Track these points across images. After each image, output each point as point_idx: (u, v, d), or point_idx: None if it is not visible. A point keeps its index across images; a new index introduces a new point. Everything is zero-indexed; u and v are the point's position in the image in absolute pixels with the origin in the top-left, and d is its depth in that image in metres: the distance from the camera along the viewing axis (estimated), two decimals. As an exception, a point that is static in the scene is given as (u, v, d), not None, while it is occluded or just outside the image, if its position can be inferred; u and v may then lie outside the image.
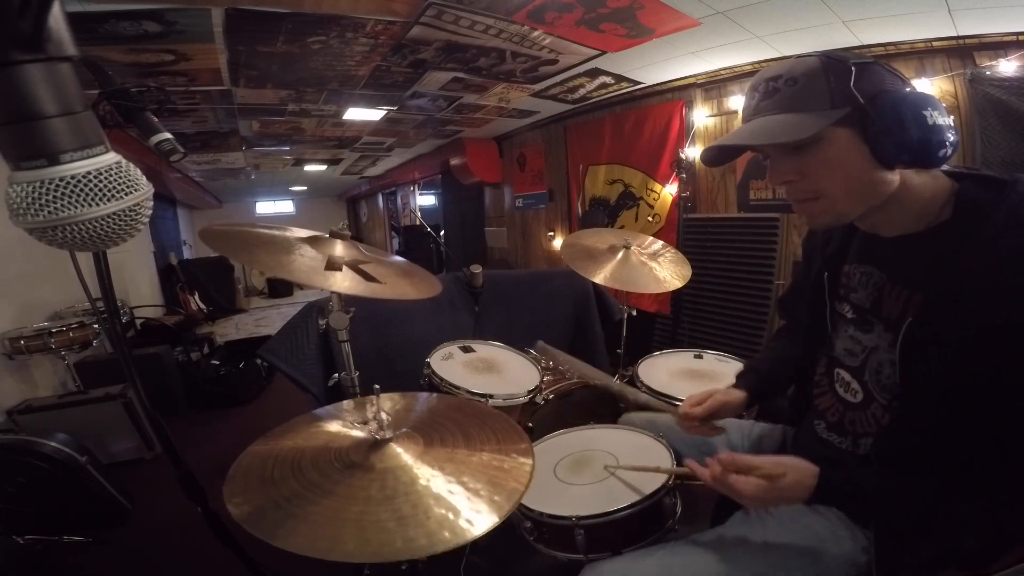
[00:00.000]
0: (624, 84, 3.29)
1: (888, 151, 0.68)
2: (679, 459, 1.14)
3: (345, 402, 1.07)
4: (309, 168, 6.81)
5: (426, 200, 9.58)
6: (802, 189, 0.76)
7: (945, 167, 0.75)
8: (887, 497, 0.76)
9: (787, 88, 0.72)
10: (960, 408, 0.71)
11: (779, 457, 0.81)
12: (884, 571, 0.79)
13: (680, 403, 1.40)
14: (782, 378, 1.09)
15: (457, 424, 0.94)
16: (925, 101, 0.68)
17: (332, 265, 1.13)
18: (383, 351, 2.10)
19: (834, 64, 0.70)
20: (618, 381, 1.53)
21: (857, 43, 2.25)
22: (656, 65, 2.90)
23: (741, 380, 1.11)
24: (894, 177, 0.71)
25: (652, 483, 1.05)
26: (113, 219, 0.55)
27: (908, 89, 0.70)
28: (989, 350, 0.67)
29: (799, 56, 0.73)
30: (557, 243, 4.55)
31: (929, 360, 0.72)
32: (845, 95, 0.68)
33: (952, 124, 0.69)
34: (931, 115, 0.67)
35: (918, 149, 0.67)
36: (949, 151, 0.68)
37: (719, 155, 0.83)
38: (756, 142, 0.75)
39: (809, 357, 1.00)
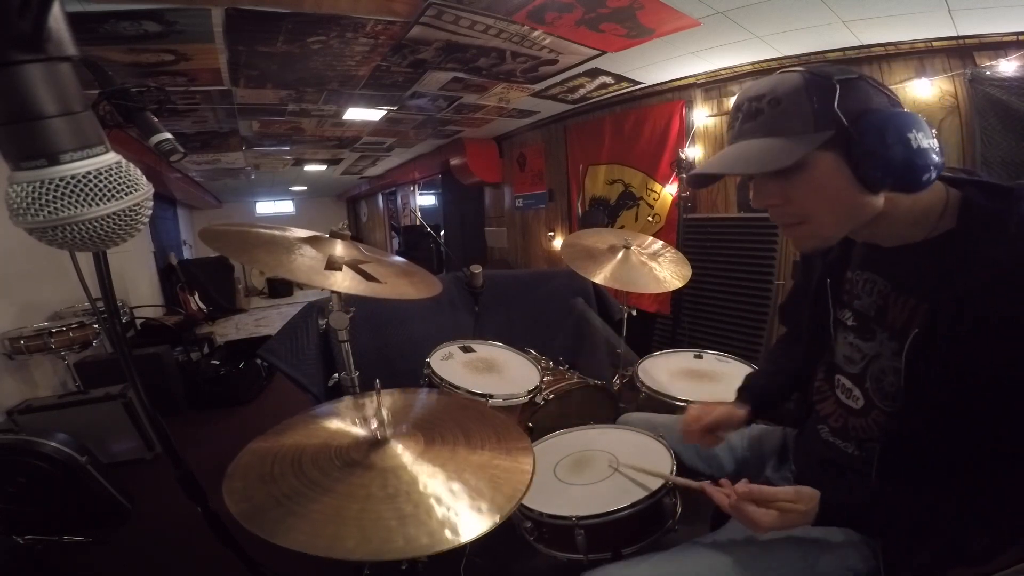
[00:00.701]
0: (624, 84, 3.29)
1: (872, 175, 0.67)
2: (679, 460, 1.14)
3: (345, 400, 1.07)
4: (309, 168, 6.81)
5: (426, 200, 9.57)
6: (787, 213, 0.75)
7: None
8: (886, 513, 0.76)
9: (770, 109, 0.70)
10: (966, 412, 0.70)
11: (796, 488, 0.80)
12: (891, 573, 0.79)
13: (682, 403, 1.40)
14: (781, 392, 1.10)
15: (457, 423, 0.94)
16: (910, 122, 0.66)
17: (332, 265, 1.13)
18: (383, 351, 2.10)
19: (817, 82, 0.68)
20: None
21: (857, 43, 2.26)
22: (656, 65, 2.90)
23: (742, 397, 1.10)
24: (878, 199, 0.70)
25: (652, 483, 1.05)
26: (113, 219, 0.54)
27: (893, 109, 0.68)
28: (995, 353, 0.66)
29: (782, 72, 0.72)
30: (557, 243, 4.55)
31: (936, 367, 0.72)
32: (828, 116, 0.66)
33: (937, 146, 0.67)
34: (916, 137, 0.65)
35: (902, 173, 0.66)
36: (933, 175, 0.67)
37: (704, 180, 0.83)
38: (739, 171, 0.74)
39: (811, 363, 1.00)
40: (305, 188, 10.01)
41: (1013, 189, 0.70)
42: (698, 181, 0.83)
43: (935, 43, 2.11)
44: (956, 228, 0.72)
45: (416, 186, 8.35)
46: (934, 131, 0.68)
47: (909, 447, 0.77)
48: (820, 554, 0.82)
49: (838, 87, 0.67)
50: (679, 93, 3.25)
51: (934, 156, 0.66)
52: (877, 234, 0.78)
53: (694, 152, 3.20)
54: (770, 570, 0.82)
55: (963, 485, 0.73)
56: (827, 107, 0.67)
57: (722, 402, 1.08)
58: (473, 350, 1.83)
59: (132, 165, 0.57)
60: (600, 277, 1.88)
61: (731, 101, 2.97)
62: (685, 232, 3.29)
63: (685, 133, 3.22)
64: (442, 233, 6.87)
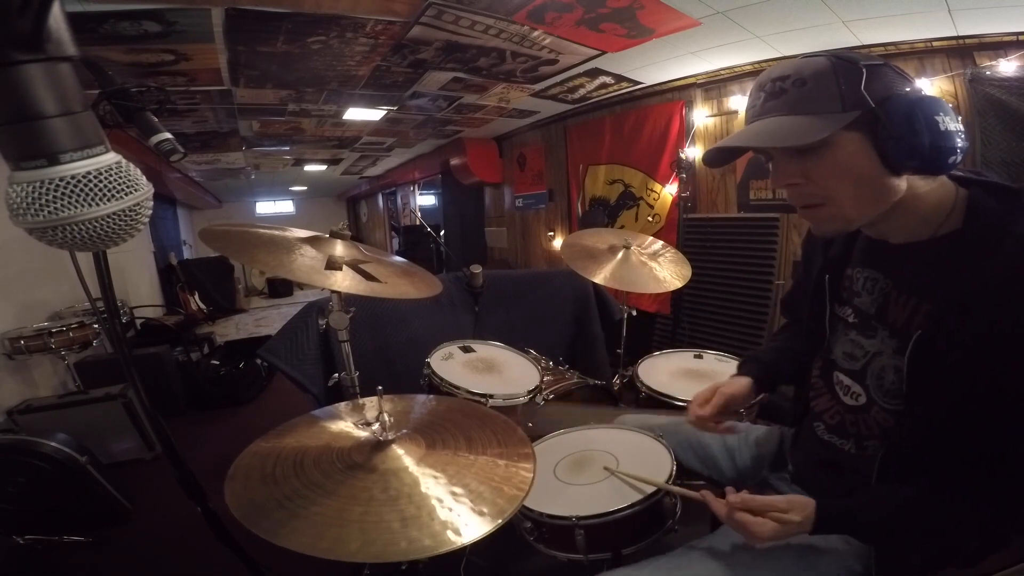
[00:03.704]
0: (624, 84, 3.29)
1: (898, 157, 0.67)
2: (677, 461, 1.13)
3: (345, 403, 1.07)
4: (309, 168, 6.81)
5: (426, 200, 9.57)
6: (808, 194, 0.74)
7: None
8: (885, 519, 0.76)
9: (795, 89, 0.70)
10: (968, 413, 0.70)
11: (788, 496, 0.81)
12: (883, 574, 0.79)
13: (682, 403, 1.39)
14: (786, 369, 1.07)
15: (458, 426, 0.94)
16: (937, 106, 0.66)
17: (332, 265, 1.13)
18: (383, 351, 2.10)
19: (844, 65, 0.68)
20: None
21: (857, 43, 2.25)
22: (656, 65, 2.90)
23: (744, 368, 1.08)
24: (901, 183, 0.70)
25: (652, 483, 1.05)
26: (113, 219, 0.54)
27: (919, 93, 0.68)
28: (999, 358, 0.66)
29: (806, 56, 0.72)
30: (557, 243, 4.55)
31: (938, 369, 0.72)
32: (856, 98, 0.66)
33: (962, 129, 0.67)
34: (943, 121, 0.65)
35: (929, 156, 0.65)
36: (959, 158, 0.67)
37: (721, 156, 0.81)
38: (764, 144, 0.73)
39: (810, 357, 1.00)
40: (305, 188, 10.01)
41: (1021, 191, 0.69)
42: (716, 158, 0.81)
43: (935, 43, 2.11)
44: (962, 229, 0.72)
45: (416, 186, 8.35)
46: (959, 117, 0.68)
47: (911, 448, 0.77)
48: (818, 556, 0.82)
49: (864, 71, 0.67)
50: (679, 93, 3.25)
51: (959, 140, 0.66)
52: (890, 227, 0.77)
53: (694, 152, 3.20)
54: (769, 572, 0.82)
55: (962, 487, 0.72)
56: (854, 89, 0.67)
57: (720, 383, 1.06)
58: (473, 350, 1.83)
59: (132, 165, 0.57)
60: (600, 277, 1.88)
61: (731, 101, 2.95)
62: (685, 232, 3.29)
63: (685, 133, 3.22)
64: (442, 233, 6.87)
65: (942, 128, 0.65)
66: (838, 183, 0.71)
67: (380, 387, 0.93)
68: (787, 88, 0.71)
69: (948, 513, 0.73)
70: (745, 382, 1.03)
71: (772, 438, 1.14)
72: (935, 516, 0.74)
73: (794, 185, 0.75)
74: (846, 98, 0.67)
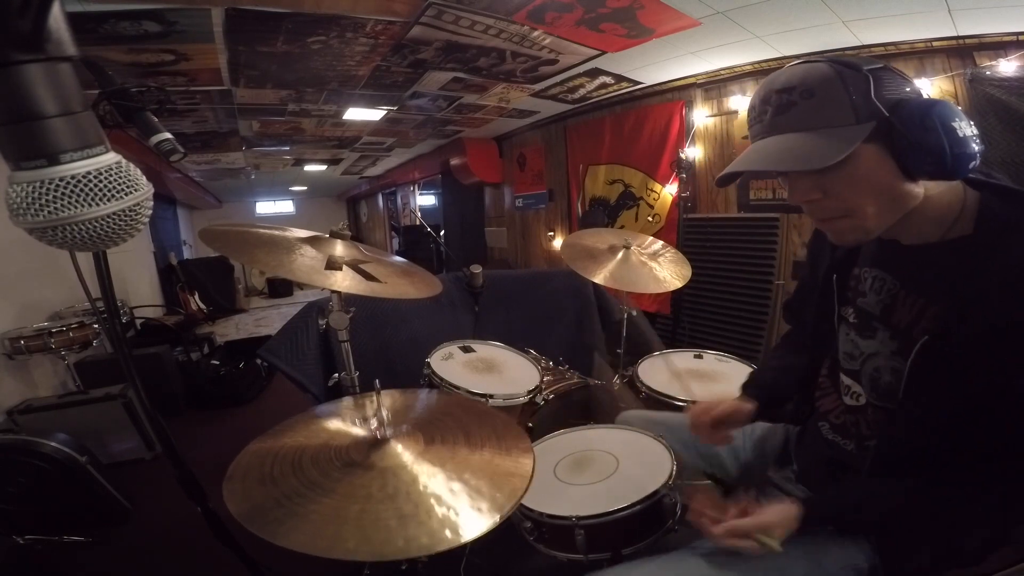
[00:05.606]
0: (624, 84, 3.29)
1: (918, 164, 0.65)
2: (678, 460, 1.13)
3: (345, 400, 1.07)
4: (309, 168, 6.81)
5: (426, 200, 9.58)
6: (828, 208, 0.72)
7: None
8: (872, 508, 0.77)
9: (804, 102, 0.67)
10: (969, 411, 0.70)
11: (773, 510, 0.79)
12: (890, 574, 0.79)
13: (682, 403, 1.39)
14: (787, 389, 1.08)
15: (457, 422, 0.94)
16: (952, 111, 0.65)
17: (332, 265, 1.13)
18: (383, 351, 2.10)
19: (849, 73, 0.66)
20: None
21: (857, 43, 2.26)
22: (656, 65, 2.90)
23: (748, 391, 1.09)
24: (919, 189, 0.69)
25: (652, 483, 1.05)
26: (113, 219, 0.54)
27: (925, 96, 0.67)
28: (1005, 360, 0.66)
29: (804, 62, 0.70)
30: (557, 243, 4.55)
31: (941, 371, 0.71)
32: (869, 108, 0.65)
33: (977, 133, 0.66)
34: (960, 127, 0.64)
35: (951, 162, 0.64)
36: (978, 161, 0.66)
37: (735, 176, 0.79)
38: (786, 168, 0.71)
39: (815, 360, 0.99)
40: (305, 188, 10.01)
41: None
42: (727, 178, 0.80)
43: (935, 43, 2.11)
44: (973, 233, 0.71)
45: (416, 186, 8.35)
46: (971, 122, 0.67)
47: (904, 446, 0.77)
48: (824, 552, 0.82)
49: (871, 77, 0.65)
50: (679, 93, 3.25)
51: (976, 144, 0.65)
52: (902, 229, 0.76)
53: (694, 152, 3.20)
54: (774, 571, 0.82)
55: (960, 482, 0.72)
56: (865, 98, 0.65)
57: (727, 398, 1.07)
58: (473, 350, 1.83)
59: (132, 165, 0.57)
60: (600, 277, 1.88)
61: (731, 101, 2.95)
62: (685, 232, 3.29)
63: (685, 133, 3.23)
64: (442, 233, 6.87)
65: (960, 135, 0.64)
66: (858, 196, 0.70)
67: (376, 381, 0.92)
68: (795, 101, 0.68)
69: (945, 508, 0.73)
70: (749, 407, 1.04)
71: (776, 436, 1.14)
72: (930, 511, 0.74)
73: (812, 201, 0.73)
74: (859, 109, 0.65)
